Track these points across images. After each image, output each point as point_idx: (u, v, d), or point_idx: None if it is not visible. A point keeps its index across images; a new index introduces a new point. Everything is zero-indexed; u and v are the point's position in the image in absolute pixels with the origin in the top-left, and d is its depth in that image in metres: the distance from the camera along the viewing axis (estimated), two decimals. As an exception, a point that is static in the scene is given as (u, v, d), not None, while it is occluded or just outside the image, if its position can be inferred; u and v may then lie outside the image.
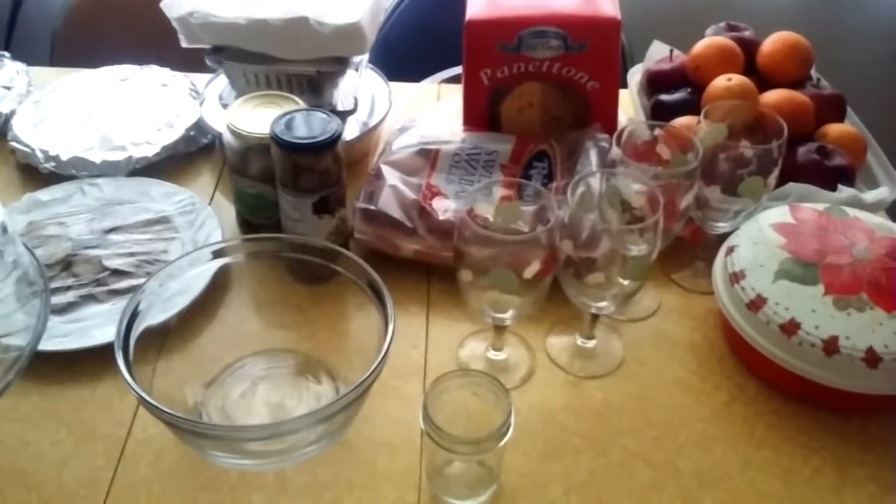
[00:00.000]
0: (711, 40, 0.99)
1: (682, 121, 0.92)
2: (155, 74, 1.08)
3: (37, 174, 0.96)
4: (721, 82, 0.93)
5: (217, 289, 0.79)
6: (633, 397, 0.76)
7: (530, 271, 0.67)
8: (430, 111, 1.06)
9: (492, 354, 0.79)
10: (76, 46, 1.31)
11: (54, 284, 0.81)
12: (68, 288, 0.81)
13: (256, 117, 0.82)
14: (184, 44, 0.89)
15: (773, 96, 0.94)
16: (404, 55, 1.33)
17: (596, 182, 0.75)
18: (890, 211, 0.95)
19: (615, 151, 0.78)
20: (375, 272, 0.72)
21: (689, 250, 0.89)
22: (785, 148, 0.79)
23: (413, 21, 1.47)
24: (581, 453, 0.72)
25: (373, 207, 0.85)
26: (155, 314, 0.73)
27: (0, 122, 1.01)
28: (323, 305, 0.79)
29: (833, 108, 0.97)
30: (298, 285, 0.80)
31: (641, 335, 0.82)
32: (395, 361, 0.79)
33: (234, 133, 0.82)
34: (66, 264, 0.83)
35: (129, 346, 0.68)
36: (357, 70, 0.98)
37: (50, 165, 0.94)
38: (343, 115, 0.95)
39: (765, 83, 0.98)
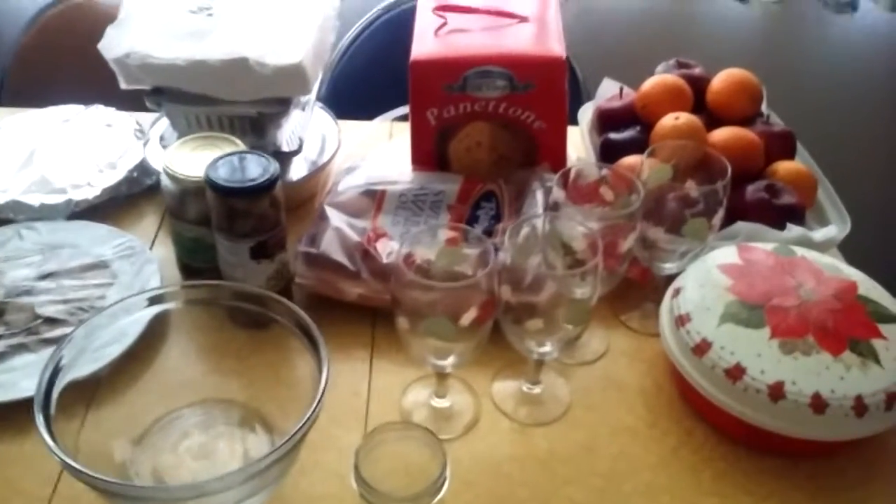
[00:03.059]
0: (660, 78, 0.99)
1: (629, 160, 0.91)
2: (100, 114, 1.06)
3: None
4: (668, 121, 0.93)
5: (153, 337, 0.76)
6: (579, 445, 0.74)
7: (467, 318, 0.66)
8: (381, 150, 1.04)
9: (435, 402, 0.77)
10: (26, 86, 1.29)
11: None
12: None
13: (194, 160, 0.80)
14: (123, 85, 0.87)
15: (721, 134, 0.94)
16: (359, 92, 1.33)
17: (540, 224, 0.74)
18: (843, 248, 0.95)
19: (557, 193, 0.77)
20: (317, 317, 0.70)
21: (639, 291, 0.87)
22: (729, 188, 0.78)
23: (368, 57, 1.46)
24: (524, 505, 0.70)
25: (314, 251, 0.83)
26: (83, 365, 0.70)
27: (-62, 165, 0.99)
28: (263, 352, 0.77)
29: (783, 145, 0.97)
30: (238, 331, 0.77)
31: (589, 379, 0.81)
32: (336, 409, 0.77)
33: (171, 176, 0.80)
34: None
35: (51, 402, 0.65)
36: (304, 109, 0.96)
37: (-15, 210, 0.92)
38: (288, 156, 0.94)
39: (715, 121, 0.98)
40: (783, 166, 0.94)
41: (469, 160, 0.95)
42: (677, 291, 0.79)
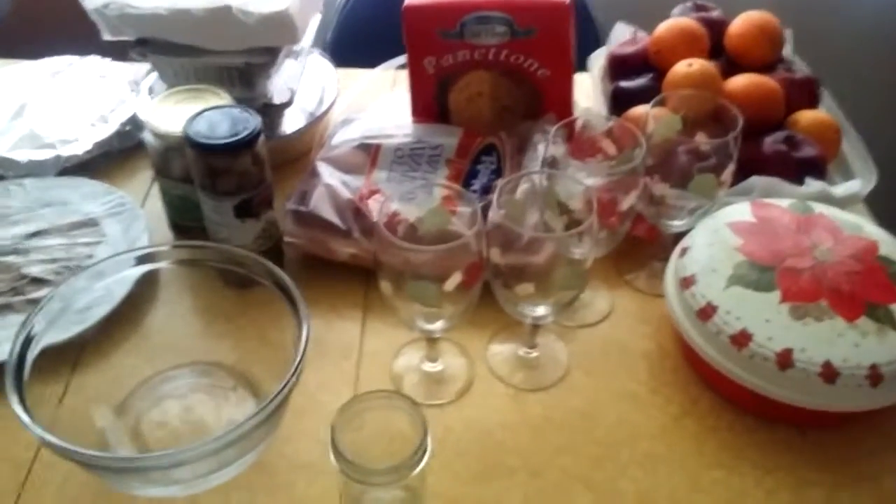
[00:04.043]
0: (674, 22, 0.93)
1: (638, 110, 0.86)
2: (94, 65, 1.03)
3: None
4: (681, 68, 0.87)
5: (139, 297, 0.74)
6: (576, 412, 0.71)
7: (452, 283, 0.62)
8: (383, 100, 1.00)
9: (427, 366, 0.74)
10: (24, 36, 1.26)
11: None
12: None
13: (179, 114, 0.77)
14: (106, 37, 0.84)
15: (739, 82, 0.88)
16: (368, 38, 1.27)
17: (537, 180, 0.70)
18: (870, 204, 0.89)
19: (556, 147, 0.73)
20: (308, 277, 0.68)
21: (646, 249, 0.83)
22: (740, 140, 0.73)
23: (377, 1, 1.40)
24: (515, 474, 0.67)
25: (304, 209, 0.80)
26: (66, 327, 0.69)
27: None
28: (250, 313, 0.74)
29: (805, 93, 0.90)
30: (227, 292, 0.75)
31: (590, 342, 0.77)
32: (324, 373, 0.75)
33: (154, 132, 0.77)
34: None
35: (24, 368, 0.63)
36: (297, 58, 0.92)
37: (-26, 166, 0.90)
38: (279, 109, 0.90)
39: (734, 67, 0.92)
40: (805, 116, 0.88)
41: (470, 111, 0.91)
42: (684, 251, 0.74)
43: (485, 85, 0.88)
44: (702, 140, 0.73)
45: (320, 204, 0.80)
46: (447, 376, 0.74)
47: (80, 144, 0.92)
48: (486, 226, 0.64)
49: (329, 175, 0.83)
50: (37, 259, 0.81)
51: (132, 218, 0.85)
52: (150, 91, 0.92)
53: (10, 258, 0.80)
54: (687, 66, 0.87)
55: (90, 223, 0.85)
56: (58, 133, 0.93)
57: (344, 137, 0.89)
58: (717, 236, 0.73)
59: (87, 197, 0.87)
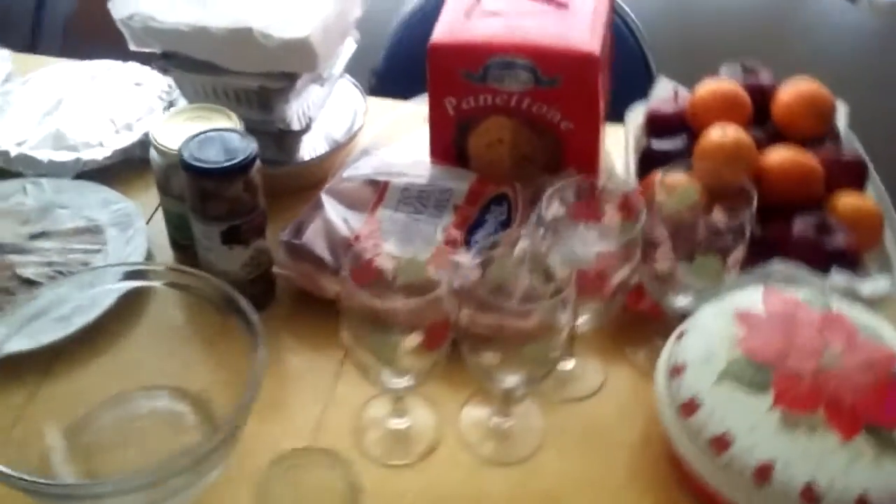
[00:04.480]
0: (716, 83, 0.87)
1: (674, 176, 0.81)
2: (132, 72, 1.04)
3: (-13, 168, 0.94)
4: (715, 135, 0.81)
5: (122, 313, 0.73)
6: (541, 495, 0.66)
7: (411, 341, 0.59)
8: (411, 135, 0.98)
9: (393, 422, 0.70)
10: (87, 35, 1.29)
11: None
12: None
13: (184, 132, 0.76)
14: (132, 47, 0.84)
15: (776, 156, 0.82)
16: (419, 68, 1.25)
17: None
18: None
19: (555, 206, 0.69)
20: (296, 310, 0.67)
21: (652, 324, 0.78)
22: (752, 222, 0.67)
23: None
24: (462, 555, 0.63)
25: (296, 241, 0.78)
26: (38, 334, 0.69)
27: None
28: (225, 343, 0.72)
29: (850, 175, 0.83)
30: (213, 317, 0.73)
31: (572, 419, 0.72)
32: (292, 416, 0.72)
33: (157, 148, 0.76)
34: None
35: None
36: (322, 84, 0.91)
37: (-2, 160, 0.91)
38: (296, 135, 0.89)
39: (778, 136, 0.86)
40: (844, 200, 0.81)
41: (489, 158, 0.87)
42: (681, 335, 0.69)
43: (505, 132, 0.85)
44: (711, 217, 0.68)
45: (314, 238, 0.78)
46: (413, 434, 0.70)
47: (102, 150, 0.93)
48: (460, 285, 0.60)
49: (331, 208, 0.81)
50: (34, 261, 0.81)
51: (135, 231, 0.84)
52: (170, 105, 0.92)
53: (10, 257, 0.81)
54: (721, 134, 0.81)
55: (94, 230, 0.85)
56: (83, 136, 0.94)
57: (355, 170, 0.86)
58: (718, 324, 0.68)
59: (98, 204, 0.88)
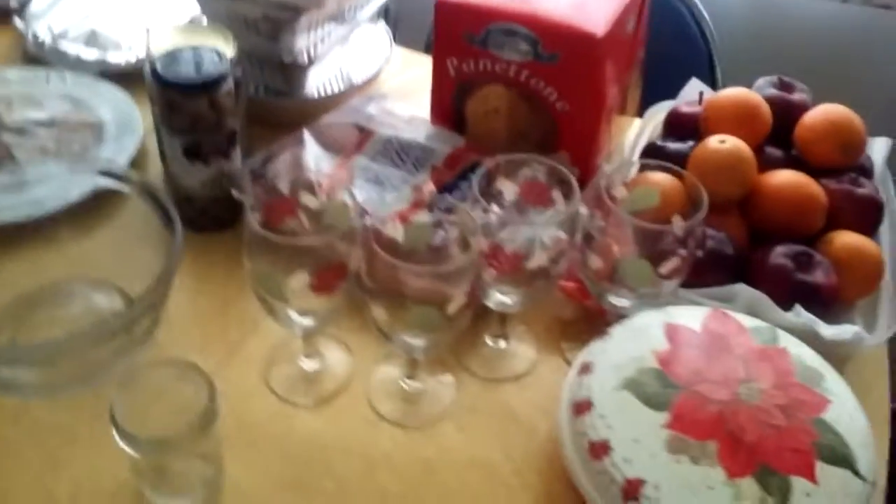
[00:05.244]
0: (734, 91, 0.81)
1: (649, 175, 0.76)
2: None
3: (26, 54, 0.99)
4: (712, 143, 0.76)
5: (88, 208, 0.75)
6: (423, 462, 0.64)
7: (298, 281, 0.58)
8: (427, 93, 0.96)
9: (303, 362, 0.70)
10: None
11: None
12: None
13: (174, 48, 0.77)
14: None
15: (778, 177, 0.76)
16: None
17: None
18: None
19: (504, 183, 0.66)
20: None
21: (596, 322, 0.74)
22: (699, 235, 0.62)
23: None
24: (324, 497, 0.62)
25: (258, 170, 0.78)
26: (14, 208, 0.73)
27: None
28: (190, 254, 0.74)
29: (861, 214, 0.76)
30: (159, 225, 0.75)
31: (485, 398, 0.69)
32: (212, 336, 0.73)
33: (148, 59, 0.78)
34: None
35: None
36: (340, 22, 0.90)
37: (34, 49, 0.96)
38: (299, 69, 0.89)
39: (796, 161, 0.80)
40: (842, 238, 0.74)
41: (485, 127, 0.85)
42: (604, 335, 0.65)
43: (502, 102, 0.82)
44: (677, 224, 0.63)
45: (280, 170, 0.78)
46: (319, 378, 0.70)
47: (128, 55, 0.96)
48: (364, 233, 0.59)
49: (309, 146, 0.81)
50: (31, 144, 0.85)
51: (132, 136, 0.87)
52: (191, 21, 0.94)
53: (9, 137, 0.85)
54: (718, 142, 0.75)
55: (95, 127, 0.88)
56: (115, 38, 0.97)
57: (348, 113, 0.86)
58: (643, 332, 0.64)
59: (107, 104, 0.91)
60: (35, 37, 0.96)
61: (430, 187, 0.79)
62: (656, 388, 0.59)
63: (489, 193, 0.67)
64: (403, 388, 0.69)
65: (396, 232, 0.61)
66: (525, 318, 0.75)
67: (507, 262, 0.62)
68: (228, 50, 0.78)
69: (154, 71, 0.71)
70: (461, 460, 0.65)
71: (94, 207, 0.75)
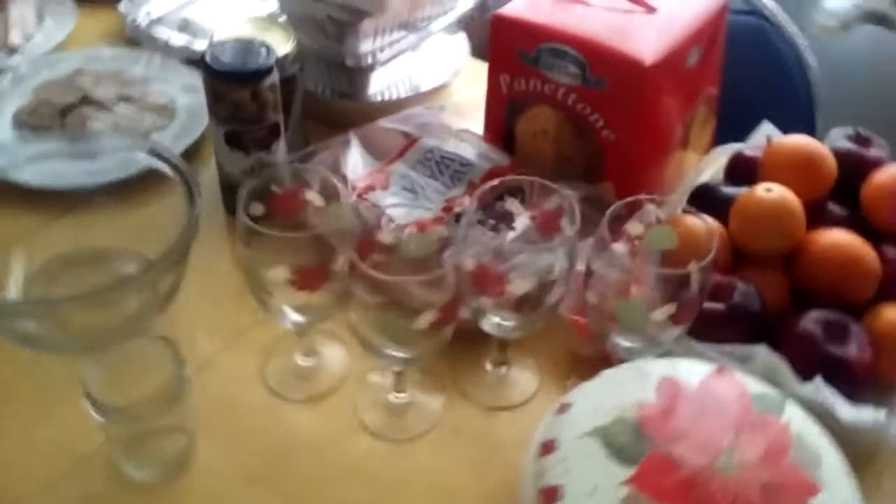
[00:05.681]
0: (797, 139, 0.75)
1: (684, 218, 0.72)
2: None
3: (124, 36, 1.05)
4: (758, 191, 0.70)
5: (138, 186, 0.78)
6: (380, 478, 0.63)
7: (278, 274, 0.59)
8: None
9: (300, 358, 0.70)
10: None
11: (39, 123, 0.90)
12: (46, 129, 0.89)
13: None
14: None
15: (828, 236, 0.69)
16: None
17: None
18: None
19: (511, 203, 0.64)
20: None
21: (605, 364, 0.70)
22: (702, 286, 0.58)
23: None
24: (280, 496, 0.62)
25: (296, 165, 0.79)
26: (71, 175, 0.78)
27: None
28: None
29: (921, 288, 0.69)
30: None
31: (472, 423, 0.68)
32: (221, 318, 0.74)
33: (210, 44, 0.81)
34: (63, 112, 0.91)
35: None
36: (411, 31, 0.91)
37: (130, 31, 1.02)
38: (360, 71, 0.90)
39: (859, 222, 0.73)
40: (890, 311, 0.67)
41: (533, 148, 0.83)
42: (595, 375, 0.62)
43: (550, 124, 0.80)
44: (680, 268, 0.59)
45: (315, 168, 0.79)
46: (311, 376, 0.70)
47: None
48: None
49: (354, 148, 0.82)
50: (105, 119, 0.90)
51: (200, 121, 0.91)
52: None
53: (90, 110, 0.91)
54: (764, 191, 0.70)
55: (168, 111, 0.93)
56: (205, 27, 1.02)
57: (399, 120, 0.86)
58: (635, 380, 0.60)
59: (185, 90, 0.95)
60: (133, 20, 1.02)
61: (465, 202, 0.78)
62: (628, 440, 0.56)
63: (499, 214, 0.65)
64: (391, 399, 0.68)
65: (388, 238, 0.61)
66: (535, 350, 0.73)
67: (491, 285, 0.60)
68: (287, 47, 0.81)
69: (203, 59, 0.74)
70: (429, 482, 0.64)
71: (141, 185, 0.78)
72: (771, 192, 0.70)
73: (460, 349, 0.69)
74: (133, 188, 0.78)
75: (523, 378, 0.71)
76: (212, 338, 0.73)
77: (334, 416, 0.67)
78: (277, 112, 0.77)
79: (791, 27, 1.12)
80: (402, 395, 0.68)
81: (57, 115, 0.91)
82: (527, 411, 0.69)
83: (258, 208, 0.62)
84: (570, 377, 0.71)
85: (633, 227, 0.63)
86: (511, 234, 0.66)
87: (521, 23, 0.77)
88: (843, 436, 0.58)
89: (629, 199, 0.63)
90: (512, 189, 0.78)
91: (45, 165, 0.80)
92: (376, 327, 0.57)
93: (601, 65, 0.73)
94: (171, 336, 0.71)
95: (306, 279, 0.59)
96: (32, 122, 0.90)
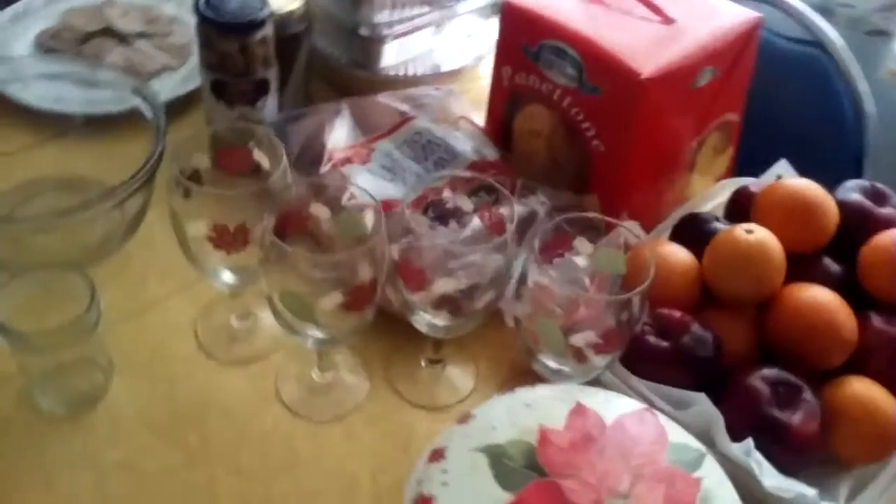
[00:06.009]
0: (797, 183, 0.69)
1: (670, 250, 0.67)
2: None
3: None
4: (737, 232, 0.65)
5: (124, 120, 0.77)
6: (291, 454, 0.62)
7: (196, 230, 0.58)
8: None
9: (233, 320, 0.69)
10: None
11: (58, 47, 0.91)
12: (63, 53, 0.90)
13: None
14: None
15: (802, 292, 0.64)
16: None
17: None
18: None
19: (462, 200, 0.62)
20: None
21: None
22: (628, 317, 0.54)
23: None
24: (178, 458, 0.61)
25: (277, 123, 0.78)
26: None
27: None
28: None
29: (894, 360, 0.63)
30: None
31: (392, 416, 0.65)
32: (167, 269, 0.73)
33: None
34: (84, 39, 0.92)
35: None
36: (436, 9, 0.88)
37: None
38: (372, 42, 0.87)
39: (852, 286, 0.67)
40: (858, 384, 0.61)
41: (526, 146, 0.79)
42: (510, 391, 0.58)
43: (545, 125, 0.76)
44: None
45: (299, 131, 0.78)
46: (244, 338, 0.69)
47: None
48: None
49: (343, 118, 0.80)
50: (122, 52, 0.91)
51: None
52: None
53: (109, 42, 0.92)
54: (744, 231, 0.65)
55: (184, 51, 0.93)
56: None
57: (403, 97, 0.83)
58: (547, 403, 0.56)
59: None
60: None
61: (459, 198, 0.75)
62: (517, 464, 0.52)
63: (448, 209, 0.63)
64: (314, 378, 0.66)
65: (321, 212, 0.59)
66: (477, 353, 0.70)
67: (412, 279, 0.57)
68: (294, 4, 0.79)
69: (196, 4, 0.73)
70: (329, 467, 0.62)
71: (128, 122, 0.78)
72: (751, 233, 0.65)
73: (402, 341, 0.68)
74: (121, 124, 0.78)
75: (458, 380, 0.68)
76: (161, 284, 0.72)
77: (254, 382, 0.66)
78: (267, 68, 0.76)
79: (854, 67, 1.04)
80: (326, 374, 0.66)
81: (77, 41, 0.92)
82: (451, 414, 0.66)
83: (203, 160, 0.61)
84: (508, 385, 0.68)
85: (582, 244, 0.59)
86: (462, 233, 0.63)
87: (528, 14, 0.73)
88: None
89: (573, 215, 0.59)
90: (486, 186, 0.76)
91: (50, 87, 0.81)
92: (283, 302, 0.55)
93: (597, 70, 0.69)
94: (123, 275, 0.73)
95: (224, 238, 0.57)
96: (52, 45, 0.91)
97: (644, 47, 0.69)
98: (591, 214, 0.61)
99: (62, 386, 0.63)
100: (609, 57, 0.68)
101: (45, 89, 0.82)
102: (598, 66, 0.69)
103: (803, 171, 0.79)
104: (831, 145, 1.02)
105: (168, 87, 0.88)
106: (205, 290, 0.71)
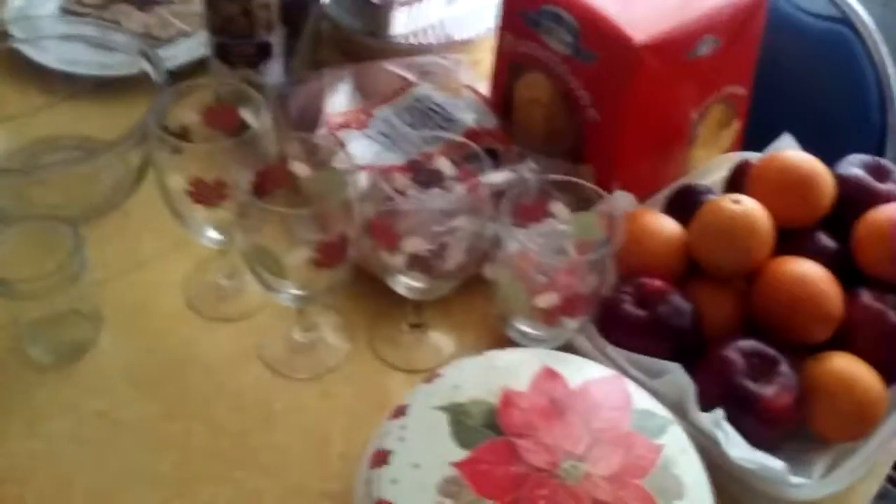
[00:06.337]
0: (793, 156, 0.67)
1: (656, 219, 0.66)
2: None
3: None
4: (723, 201, 0.64)
5: (132, 83, 0.79)
6: (266, 411, 0.63)
7: (175, 184, 0.59)
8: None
9: (219, 277, 0.70)
10: None
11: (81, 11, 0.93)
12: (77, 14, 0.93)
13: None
14: None
15: (786, 265, 0.62)
16: None
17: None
18: None
19: (443, 163, 0.61)
20: None
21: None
22: (596, 280, 0.53)
23: None
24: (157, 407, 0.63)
25: (286, 92, 0.78)
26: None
27: None
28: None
29: (887, 346, 0.61)
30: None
31: (370, 378, 0.66)
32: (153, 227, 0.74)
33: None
34: (108, 3, 0.94)
35: None
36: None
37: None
38: (379, 8, 0.88)
39: (846, 259, 0.65)
40: (840, 360, 0.59)
41: (526, 115, 0.79)
42: (479, 354, 0.58)
43: (543, 93, 0.75)
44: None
45: (300, 97, 0.78)
46: (231, 297, 0.70)
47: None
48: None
49: (344, 83, 0.80)
50: (141, 17, 0.93)
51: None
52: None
53: (129, 7, 0.94)
54: (731, 202, 0.63)
55: (196, 19, 0.94)
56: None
57: (409, 64, 0.83)
58: (513, 366, 0.56)
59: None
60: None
61: (440, 161, 0.75)
62: (476, 423, 0.53)
63: (429, 171, 0.63)
64: (295, 337, 0.67)
65: (301, 170, 0.59)
66: (461, 320, 0.70)
67: (384, 238, 0.57)
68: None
69: (202, -33, 0.74)
70: (302, 424, 0.63)
71: (137, 84, 0.80)
72: (738, 203, 0.63)
73: (387, 305, 0.68)
74: (130, 87, 0.79)
75: (439, 345, 0.69)
76: (156, 240, 0.74)
77: (237, 339, 0.67)
78: (270, 32, 0.77)
79: (883, 48, 1.00)
80: (307, 334, 0.67)
81: (99, 6, 0.94)
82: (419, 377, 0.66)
83: (191, 116, 0.62)
84: (489, 349, 0.68)
85: (558, 208, 0.59)
86: (445, 197, 0.63)
87: (529, -22, 0.73)
88: (744, 482, 0.53)
89: (555, 177, 0.58)
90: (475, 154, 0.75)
91: (66, 49, 0.84)
92: (252, 256, 0.56)
93: (592, 36, 0.68)
94: (120, 233, 0.74)
95: (202, 193, 0.58)
96: (76, 9, 0.94)
97: (642, 14, 0.68)
98: (570, 178, 0.60)
99: (51, 337, 0.65)
100: (604, 22, 0.67)
101: (62, 51, 0.85)
102: (593, 33, 0.68)
103: (824, 151, 0.77)
104: (854, 126, 0.99)
105: (183, 52, 0.89)
106: (197, 250, 0.73)
